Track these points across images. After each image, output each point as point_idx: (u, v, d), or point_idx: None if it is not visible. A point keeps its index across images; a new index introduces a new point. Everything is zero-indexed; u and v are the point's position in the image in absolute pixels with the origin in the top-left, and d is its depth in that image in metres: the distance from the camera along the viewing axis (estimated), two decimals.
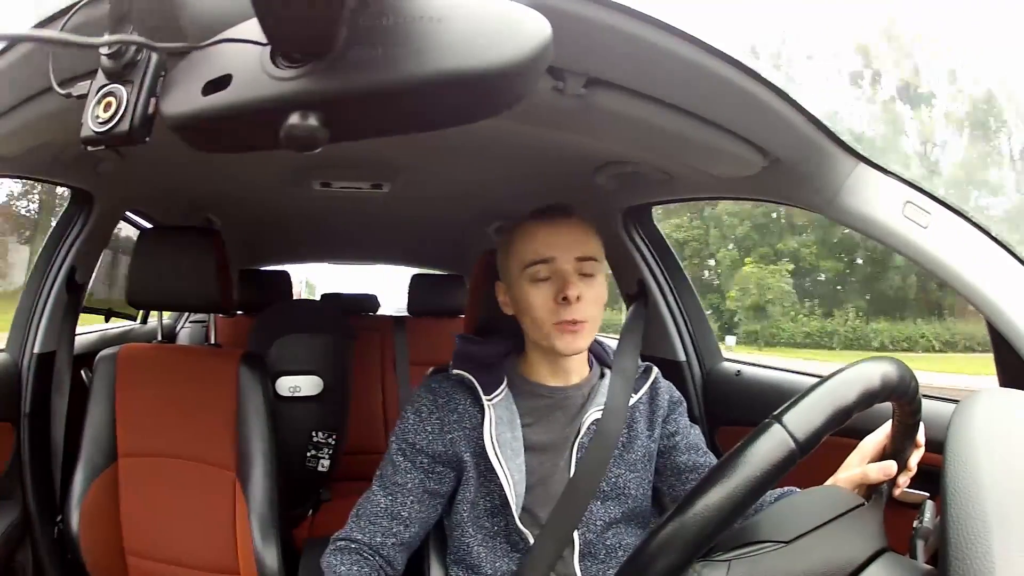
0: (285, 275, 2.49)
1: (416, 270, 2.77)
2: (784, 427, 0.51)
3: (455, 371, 0.92)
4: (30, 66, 0.65)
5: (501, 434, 0.87)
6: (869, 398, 0.53)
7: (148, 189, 1.46)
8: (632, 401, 0.93)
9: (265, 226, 2.00)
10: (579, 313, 0.85)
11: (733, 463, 0.50)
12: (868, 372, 0.54)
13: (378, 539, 0.88)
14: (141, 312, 2.19)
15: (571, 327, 0.85)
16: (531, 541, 0.86)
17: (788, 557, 0.54)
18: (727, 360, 1.44)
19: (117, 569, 1.20)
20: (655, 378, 0.98)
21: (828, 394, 0.52)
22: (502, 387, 0.91)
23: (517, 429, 0.89)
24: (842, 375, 0.54)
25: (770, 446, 0.50)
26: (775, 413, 0.52)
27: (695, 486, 0.51)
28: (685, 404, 1.00)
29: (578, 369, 0.94)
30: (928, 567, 0.55)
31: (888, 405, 0.60)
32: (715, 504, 0.49)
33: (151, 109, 0.39)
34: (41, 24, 0.56)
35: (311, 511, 1.81)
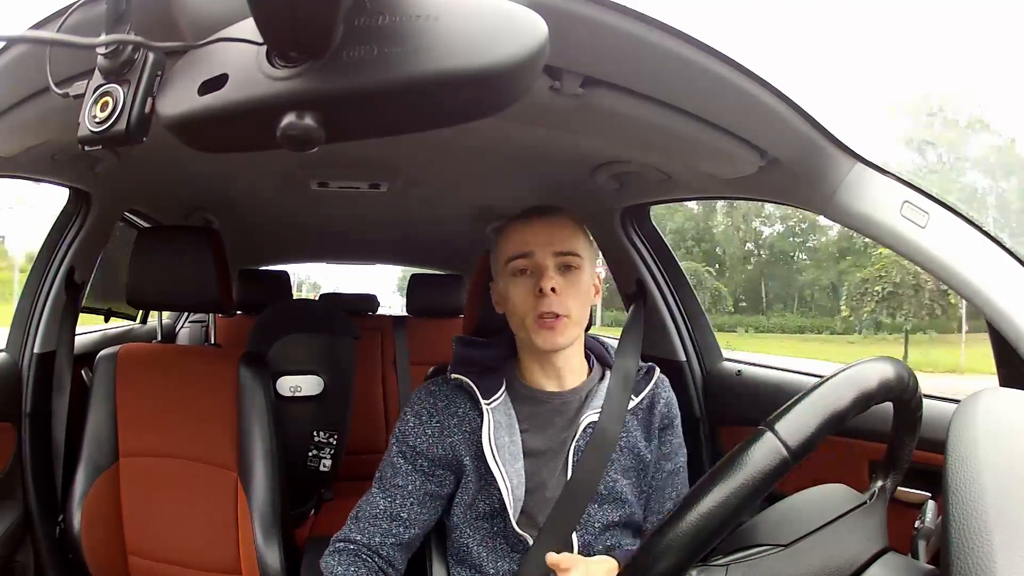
0: (285, 275, 2.49)
1: (416, 270, 2.77)
2: (776, 435, 0.50)
3: (453, 375, 0.92)
4: (27, 66, 0.64)
5: (499, 439, 0.87)
6: (865, 401, 0.52)
7: (146, 189, 1.45)
8: (631, 405, 0.92)
9: (264, 226, 2.00)
10: (558, 306, 0.85)
11: (726, 471, 0.50)
12: (864, 374, 0.54)
13: (376, 540, 0.88)
14: (140, 312, 2.19)
15: (549, 322, 0.85)
16: (530, 543, 0.86)
17: (787, 561, 0.53)
18: (727, 360, 1.44)
19: (118, 569, 1.20)
20: (657, 381, 0.97)
21: (821, 399, 0.52)
22: (500, 391, 0.91)
23: (516, 434, 0.89)
24: (837, 378, 0.53)
25: (762, 454, 0.50)
26: (768, 420, 0.52)
27: (688, 494, 0.51)
28: (680, 418, 0.99)
29: (572, 370, 0.93)
30: (930, 567, 0.55)
31: (888, 411, 0.59)
32: (707, 512, 0.49)
33: (148, 108, 0.39)
34: (38, 24, 0.55)
35: (313, 511, 1.81)
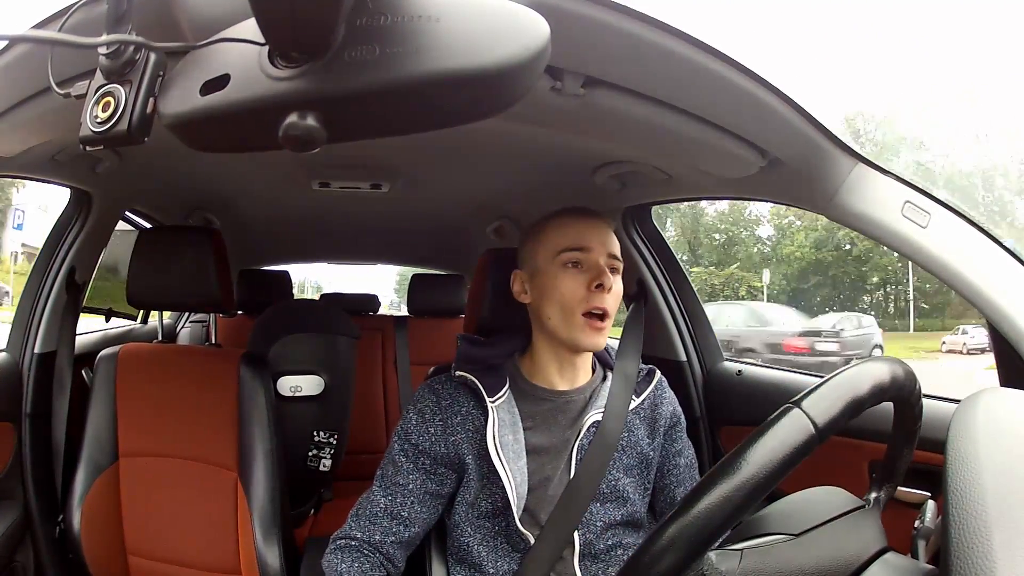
0: (285, 275, 2.50)
1: (417, 270, 2.77)
2: (804, 412, 0.51)
3: (458, 372, 0.92)
4: (29, 66, 0.64)
5: (503, 436, 0.87)
6: (880, 393, 0.54)
7: (147, 189, 1.46)
8: (633, 405, 0.93)
9: (265, 226, 2.00)
10: (608, 304, 0.87)
11: (754, 446, 0.50)
12: (880, 368, 0.55)
13: (377, 537, 0.89)
14: (141, 312, 2.19)
15: (598, 324, 0.87)
16: (531, 542, 0.86)
17: (798, 549, 0.54)
18: (728, 360, 1.44)
19: (118, 569, 1.20)
20: (658, 383, 0.98)
21: (845, 383, 0.53)
22: (504, 389, 0.91)
23: (519, 432, 0.89)
24: (856, 368, 0.55)
25: (790, 430, 0.51)
26: (794, 399, 0.53)
27: (715, 468, 0.51)
28: (685, 422, 1.00)
29: (584, 369, 0.94)
30: (929, 567, 0.55)
31: (888, 412, 0.60)
32: (736, 486, 0.49)
33: (149, 109, 0.39)
34: (39, 24, 0.56)
35: (313, 511, 1.81)
